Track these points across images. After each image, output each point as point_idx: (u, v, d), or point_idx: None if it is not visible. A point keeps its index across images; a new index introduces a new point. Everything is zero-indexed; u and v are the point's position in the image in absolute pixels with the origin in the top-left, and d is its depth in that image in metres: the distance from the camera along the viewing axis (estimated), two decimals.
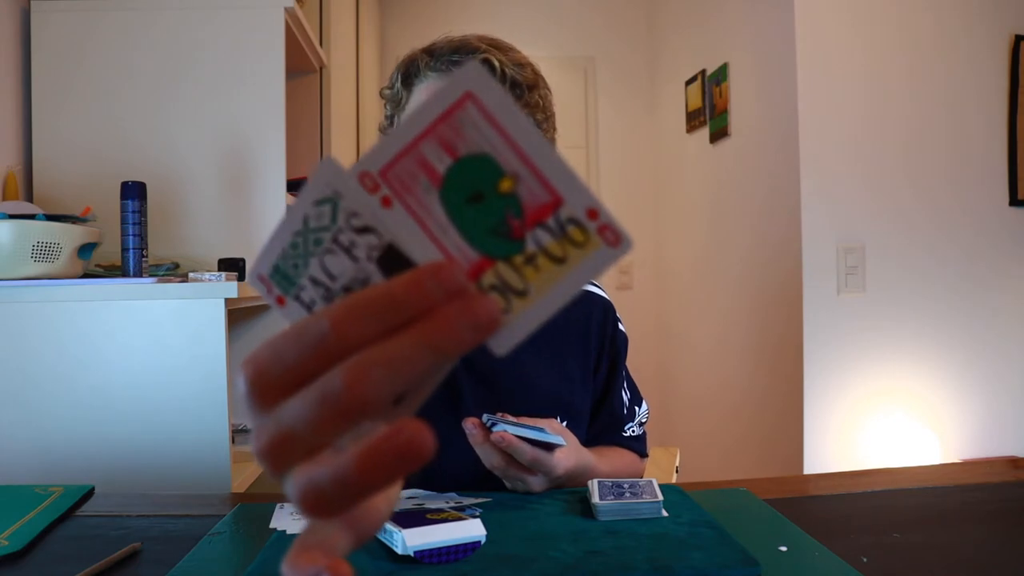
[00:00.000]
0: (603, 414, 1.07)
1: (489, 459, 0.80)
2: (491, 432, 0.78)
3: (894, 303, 2.10)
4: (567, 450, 0.84)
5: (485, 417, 0.81)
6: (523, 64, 0.95)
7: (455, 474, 0.88)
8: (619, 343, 1.09)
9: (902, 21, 2.10)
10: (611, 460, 1.02)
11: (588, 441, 1.03)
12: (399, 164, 0.28)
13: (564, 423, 0.98)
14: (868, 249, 2.09)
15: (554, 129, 1.01)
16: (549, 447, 0.81)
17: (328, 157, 0.35)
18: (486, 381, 0.97)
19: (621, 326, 1.11)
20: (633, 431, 1.10)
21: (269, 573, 0.62)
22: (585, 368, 1.05)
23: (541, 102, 0.96)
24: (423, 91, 0.94)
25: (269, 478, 0.82)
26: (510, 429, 0.78)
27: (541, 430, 0.80)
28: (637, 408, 1.11)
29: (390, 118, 1.00)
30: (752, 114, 2.47)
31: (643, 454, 1.11)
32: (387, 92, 0.98)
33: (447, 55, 0.92)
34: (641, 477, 1.10)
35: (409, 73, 0.95)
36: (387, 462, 0.25)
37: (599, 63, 3.63)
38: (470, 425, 0.79)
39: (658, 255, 3.57)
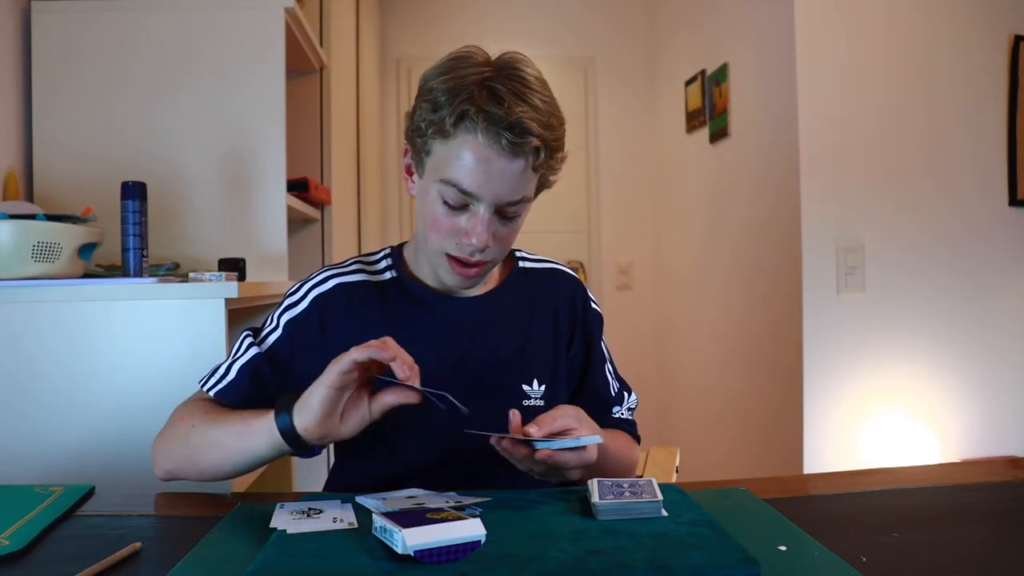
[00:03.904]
0: (587, 394, 1.06)
1: (531, 468, 0.84)
2: (535, 449, 0.80)
3: (894, 303, 2.10)
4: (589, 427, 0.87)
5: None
6: (555, 127, 0.90)
7: (424, 455, 0.95)
8: (591, 320, 1.08)
9: (901, 21, 2.10)
10: (609, 435, 1.00)
11: None
12: None
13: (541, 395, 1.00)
14: (868, 249, 2.09)
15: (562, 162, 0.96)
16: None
17: None
18: (456, 362, 0.98)
19: (594, 304, 1.10)
20: (622, 414, 1.09)
21: (269, 573, 0.62)
22: (557, 343, 1.04)
23: (560, 162, 0.94)
24: (467, 148, 0.87)
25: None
26: (551, 445, 0.80)
27: (575, 440, 0.82)
28: (626, 395, 1.11)
29: (424, 135, 0.91)
30: (752, 114, 2.47)
31: (636, 436, 1.11)
32: (431, 116, 0.88)
33: (504, 127, 0.85)
34: (637, 460, 1.10)
35: (463, 117, 0.86)
36: None
37: (599, 63, 3.63)
38: (507, 444, 0.81)
39: (658, 255, 3.57)
